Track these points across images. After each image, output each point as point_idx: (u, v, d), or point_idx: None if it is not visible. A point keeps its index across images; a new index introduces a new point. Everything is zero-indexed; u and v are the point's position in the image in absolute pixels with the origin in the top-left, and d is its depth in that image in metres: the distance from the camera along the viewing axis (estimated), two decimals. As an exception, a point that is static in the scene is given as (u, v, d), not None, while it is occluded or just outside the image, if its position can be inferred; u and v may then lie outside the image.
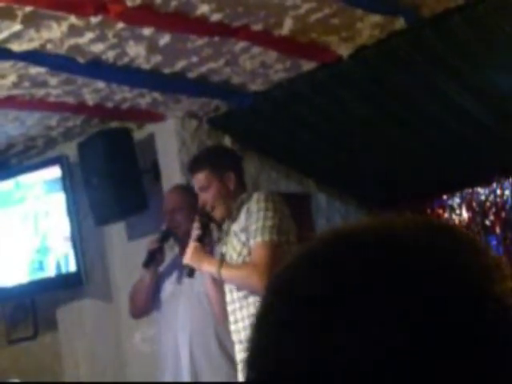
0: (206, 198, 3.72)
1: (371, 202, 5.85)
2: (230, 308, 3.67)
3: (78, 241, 5.72)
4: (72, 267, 5.77)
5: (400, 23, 4.33)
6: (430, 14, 4.24)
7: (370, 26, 4.32)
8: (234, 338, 3.66)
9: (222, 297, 3.77)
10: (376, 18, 4.24)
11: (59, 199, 5.75)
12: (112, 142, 5.38)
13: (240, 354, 3.61)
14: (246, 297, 3.57)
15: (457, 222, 6.36)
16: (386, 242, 0.74)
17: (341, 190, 6.13)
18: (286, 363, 0.71)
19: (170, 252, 4.63)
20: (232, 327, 3.66)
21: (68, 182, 5.69)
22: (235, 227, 3.64)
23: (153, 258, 4.44)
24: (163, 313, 4.51)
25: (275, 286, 0.78)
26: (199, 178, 3.76)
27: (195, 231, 3.73)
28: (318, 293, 0.72)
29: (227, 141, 5.47)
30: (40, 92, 4.70)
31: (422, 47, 4.48)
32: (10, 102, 4.75)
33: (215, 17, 3.94)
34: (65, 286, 5.89)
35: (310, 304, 0.72)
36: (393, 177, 5.73)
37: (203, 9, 3.84)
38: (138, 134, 5.52)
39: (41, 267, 5.92)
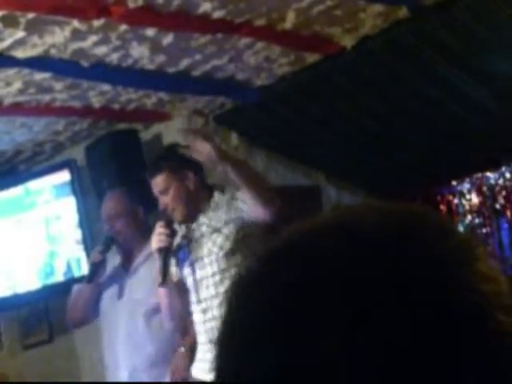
0: (166, 200, 3.64)
1: (381, 192, 5.84)
2: (203, 305, 3.61)
3: (90, 244, 5.72)
4: (84, 270, 5.77)
5: (403, 12, 4.32)
6: (433, 1, 4.22)
7: (372, 16, 4.31)
8: (203, 338, 3.61)
9: (180, 304, 3.72)
10: (379, 8, 4.22)
11: (69, 203, 5.76)
12: (119, 143, 5.39)
13: (209, 354, 3.53)
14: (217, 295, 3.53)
15: (467, 207, 6.36)
16: (344, 234, 0.71)
17: (350, 181, 6.12)
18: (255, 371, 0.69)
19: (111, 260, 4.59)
20: (207, 325, 3.60)
21: (77, 186, 5.69)
22: (214, 223, 3.58)
23: (96, 271, 4.40)
24: (103, 324, 4.49)
25: (239, 290, 0.75)
26: (158, 182, 3.66)
27: (159, 236, 3.62)
28: (277, 297, 0.70)
29: (234, 137, 5.47)
30: (46, 97, 4.70)
31: (425, 35, 4.46)
32: (16, 108, 4.76)
33: (217, 14, 3.93)
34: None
35: (272, 309, 0.70)
36: (401, 166, 5.72)
37: (205, 6, 3.83)
38: (146, 135, 5.52)
39: (53, 272, 5.93)
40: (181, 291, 3.70)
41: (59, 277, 5.91)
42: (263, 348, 0.68)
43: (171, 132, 5.39)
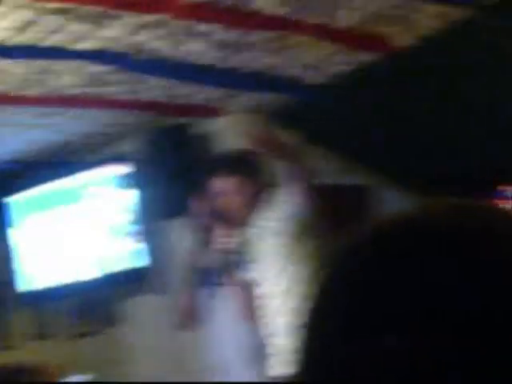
0: (228, 202, 3.63)
1: (431, 194, 5.78)
2: (265, 301, 3.63)
3: (144, 236, 5.77)
4: (140, 262, 5.83)
5: (459, 12, 4.26)
6: (491, 2, 4.16)
7: (429, 16, 4.25)
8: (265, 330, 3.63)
9: (248, 294, 3.73)
10: (435, 8, 4.17)
11: (127, 195, 5.80)
12: (171, 137, 5.42)
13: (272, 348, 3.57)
14: (288, 290, 3.53)
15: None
16: (417, 231, 0.72)
17: (402, 182, 6.07)
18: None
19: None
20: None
21: (135, 178, 5.73)
22: (269, 222, 3.58)
23: (203, 276, 4.41)
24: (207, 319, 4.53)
25: (326, 283, 0.76)
26: (220, 183, 3.65)
27: (221, 238, 3.62)
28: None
29: (286, 135, 5.45)
30: (100, 90, 4.74)
31: (483, 35, 4.40)
32: (71, 100, 4.80)
33: (273, 10, 3.92)
34: (133, 281, 5.96)
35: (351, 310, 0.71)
36: (454, 168, 5.66)
37: (260, 3, 3.83)
38: (196, 129, 5.53)
39: (106, 263, 5.99)
40: (248, 291, 3.70)
41: (115, 267, 5.96)
42: (343, 341, 0.70)
43: (222, 129, 5.40)
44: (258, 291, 3.66)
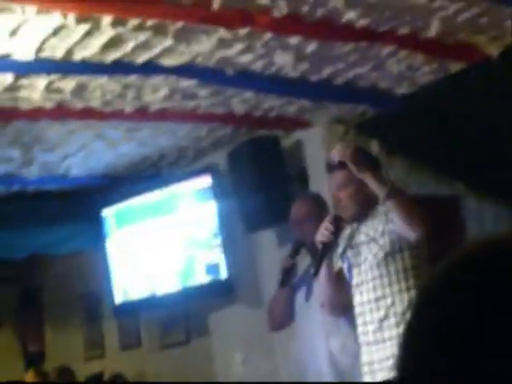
0: (342, 196, 3.67)
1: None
2: (358, 310, 3.62)
3: (229, 248, 5.82)
4: (223, 274, 5.87)
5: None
6: None
7: (519, 24, 4.21)
8: (362, 339, 3.62)
9: (335, 288, 3.73)
10: (526, 15, 4.13)
11: (210, 208, 5.86)
12: (261, 150, 5.45)
13: (366, 355, 3.57)
14: (377, 300, 3.53)
15: None
16: None
17: (491, 192, 5.99)
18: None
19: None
20: (360, 329, 3.61)
21: (218, 191, 5.79)
22: (370, 232, 3.60)
23: (288, 276, 4.45)
24: (298, 323, 4.53)
25: (427, 297, 0.78)
26: (339, 176, 3.69)
27: (324, 230, 3.64)
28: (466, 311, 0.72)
29: (375, 145, 5.44)
30: (190, 104, 4.81)
31: None
32: (162, 114, 4.89)
33: (361, 22, 3.93)
34: (216, 293, 6.00)
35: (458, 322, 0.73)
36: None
37: (349, 15, 3.84)
38: (286, 142, 5.57)
39: (192, 275, 6.05)
40: (339, 283, 3.72)
41: (198, 280, 6.03)
42: (436, 355, 0.72)
43: (312, 139, 5.42)
44: (354, 291, 3.67)
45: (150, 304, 6.43)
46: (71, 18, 3.48)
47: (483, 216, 6.11)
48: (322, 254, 3.61)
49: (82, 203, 6.38)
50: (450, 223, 5.76)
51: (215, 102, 4.83)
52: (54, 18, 3.47)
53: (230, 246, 5.84)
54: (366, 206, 3.64)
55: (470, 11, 3.98)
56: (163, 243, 6.23)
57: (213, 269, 5.94)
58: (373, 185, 3.47)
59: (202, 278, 6.02)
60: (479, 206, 6.09)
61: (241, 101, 4.86)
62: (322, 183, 5.32)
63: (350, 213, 3.64)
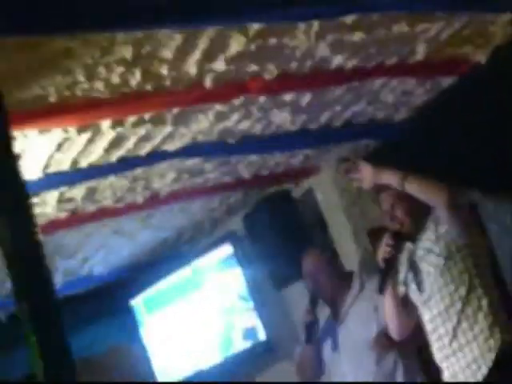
0: (397, 213, 3.68)
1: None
2: (431, 326, 3.59)
3: (262, 309, 5.81)
4: (261, 336, 5.85)
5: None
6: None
7: (502, 26, 4.23)
8: (439, 355, 3.57)
9: (403, 312, 3.72)
10: (507, 17, 4.15)
11: (236, 274, 5.86)
12: (274, 206, 5.47)
13: (447, 370, 3.54)
14: (447, 309, 3.52)
15: None
16: None
17: (508, 194, 5.98)
18: None
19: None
20: (436, 345, 3.58)
21: (241, 256, 5.79)
22: (426, 244, 3.61)
23: (312, 331, 4.45)
24: (327, 374, 4.53)
25: None
26: (390, 194, 3.71)
27: (385, 247, 3.66)
28: None
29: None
30: (198, 180, 4.82)
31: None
32: (173, 196, 4.90)
33: (350, 64, 3.95)
34: (258, 356, 5.98)
35: None
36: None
37: (338, 60, 3.86)
38: (297, 192, 5.57)
39: (231, 344, 6.03)
40: (406, 308, 3.71)
41: (238, 348, 6.01)
42: None
43: (322, 184, 5.42)
44: (419, 312, 3.66)
45: (195, 380, 6.40)
46: (72, 130, 3.49)
47: (502, 218, 6.11)
48: (385, 271, 3.63)
49: (109, 299, 6.36)
50: (470, 228, 5.75)
51: (223, 173, 4.85)
52: (56, 134, 3.48)
53: (262, 307, 5.83)
54: (419, 219, 3.66)
55: (451, 26, 4.00)
56: (197, 319, 6.22)
57: (250, 333, 5.93)
58: (421, 195, 3.51)
59: (241, 344, 6.00)
60: (496, 209, 6.09)
61: (247, 165, 4.87)
62: (339, 226, 5.33)
63: (407, 227, 3.65)
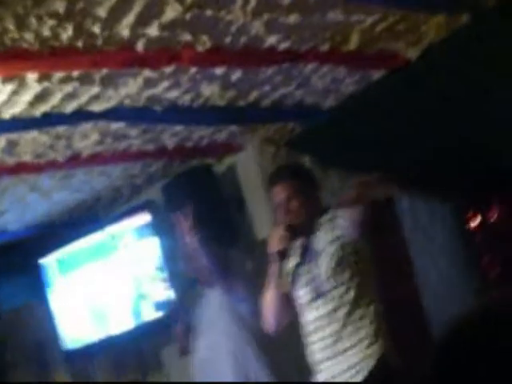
0: (292, 206, 3.68)
1: (456, 199, 5.82)
2: (312, 326, 3.62)
3: (175, 282, 5.81)
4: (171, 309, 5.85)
5: (463, 20, 4.31)
6: (493, 7, 4.21)
7: (434, 27, 4.31)
8: (318, 356, 3.61)
9: (284, 305, 3.73)
10: (440, 18, 4.23)
11: (152, 243, 5.85)
12: (194, 179, 5.46)
13: (325, 372, 3.59)
14: (334, 310, 3.54)
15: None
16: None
17: (423, 191, 6.10)
18: None
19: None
20: (315, 347, 3.62)
21: (158, 226, 5.78)
22: (320, 243, 3.63)
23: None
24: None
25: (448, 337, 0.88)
26: (284, 188, 3.70)
27: (279, 238, 3.65)
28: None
29: (306, 160, 5.50)
30: (122, 145, 4.81)
31: (486, 41, 4.44)
32: (94, 158, 4.87)
33: (283, 45, 3.98)
34: (167, 328, 5.98)
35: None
36: (478, 173, 5.69)
37: (271, 40, 3.89)
38: (219, 168, 5.59)
39: (141, 313, 6.03)
40: (288, 304, 3.73)
41: (149, 316, 6.00)
42: None
43: (244, 162, 5.46)
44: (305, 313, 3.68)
45: (102, 346, 6.38)
46: (-4, 79, 3.45)
47: (417, 214, 6.22)
48: (280, 265, 3.61)
49: (20, 256, 6.30)
50: (386, 224, 5.86)
51: (146, 140, 4.83)
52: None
53: (176, 278, 5.82)
54: (314, 216, 3.68)
55: (387, 20, 4.06)
56: (109, 284, 6.19)
57: (163, 304, 5.92)
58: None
59: (152, 314, 5.99)
60: (412, 205, 6.19)
61: (171, 135, 4.87)
62: (257, 205, 5.37)
63: (300, 221, 3.65)
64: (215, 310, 4.48)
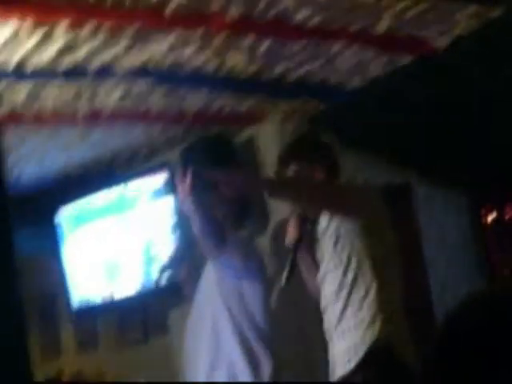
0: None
1: (474, 192, 5.83)
2: (324, 303, 3.60)
3: (187, 246, 5.81)
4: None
5: (496, 12, 4.29)
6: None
7: (466, 17, 4.29)
8: (327, 334, 3.60)
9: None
10: (472, 9, 4.21)
11: (168, 203, 5.83)
12: (213, 147, 5.46)
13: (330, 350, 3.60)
14: (337, 292, 3.51)
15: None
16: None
17: (441, 180, 6.10)
18: None
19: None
20: (325, 324, 3.60)
21: (175, 187, 5.77)
22: (322, 225, 3.59)
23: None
24: None
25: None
26: (290, 171, 3.68)
27: (293, 232, 3.61)
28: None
29: (327, 137, 5.49)
30: (143, 105, 4.82)
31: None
32: (115, 116, 4.89)
33: (313, 21, 3.98)
34: (175, 292, 5.99)
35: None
36: (498, 169, 5.68)
37: (301, 15, 3.89)
38: (239, 138, 5.59)
39: (151, 273, 6.04)
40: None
41: (157, 279, 6.01)
42: None
43: (265, 135, 5.46)
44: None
45: (110, 305, 6.39)
46: (27, 23, 3.46)
47: (433, 204, 6.22)
48: (293, 256, 3.56)
49: (35, 208, 6.33)
50: (400, 210, 5.85)
51: (168, 103, 4.85)
52: (11, 26, 3.45)
53: (187, 243, 5.83)
54: None
55: (418, 7, 4.05)
56: (121, 242, 6.20)
57: (171, 266, 5.92)
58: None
59: (161, 277, 5.99)
60: (429, 194, 6.19)
61: (193, 100, 4.88)
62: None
63: (313, 210, 3.64)
64: (209, 287, 4.25)
